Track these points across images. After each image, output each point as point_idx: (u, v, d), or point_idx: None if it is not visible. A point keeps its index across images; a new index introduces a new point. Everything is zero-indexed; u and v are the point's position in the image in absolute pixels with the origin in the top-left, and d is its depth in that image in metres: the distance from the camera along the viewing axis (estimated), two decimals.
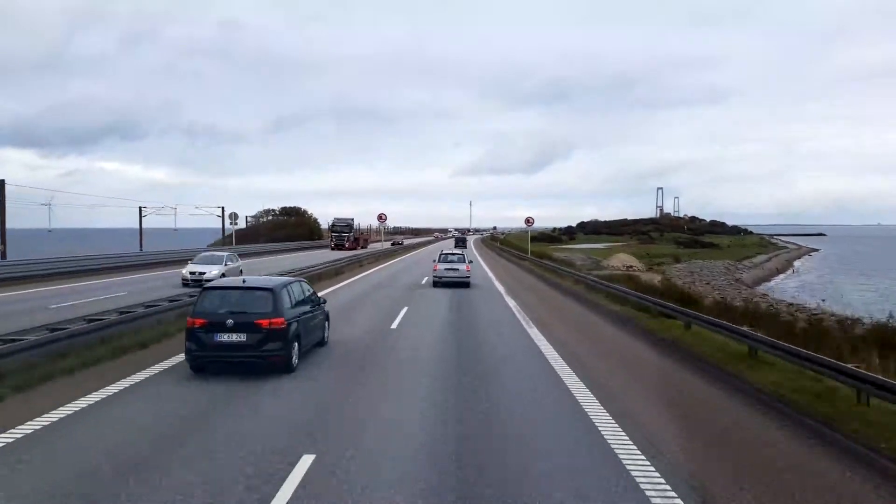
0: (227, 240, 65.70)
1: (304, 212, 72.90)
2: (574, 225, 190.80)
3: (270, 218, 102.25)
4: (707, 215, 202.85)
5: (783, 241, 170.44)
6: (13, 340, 11.41)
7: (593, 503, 6.16)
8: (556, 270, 38.76)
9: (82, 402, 9.20)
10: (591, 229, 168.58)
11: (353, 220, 76.39)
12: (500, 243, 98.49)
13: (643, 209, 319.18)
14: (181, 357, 11.66)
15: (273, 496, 6.13)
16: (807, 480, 6.92)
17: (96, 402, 9.33)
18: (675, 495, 6.31)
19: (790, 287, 60.94)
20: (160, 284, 27.07)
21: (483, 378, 11.12)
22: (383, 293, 25.69)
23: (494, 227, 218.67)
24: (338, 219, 75.53)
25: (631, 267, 73.01)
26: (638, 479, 6.67)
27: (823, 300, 43.95)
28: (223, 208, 64.52)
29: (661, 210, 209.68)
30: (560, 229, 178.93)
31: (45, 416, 8.52)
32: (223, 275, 25.27)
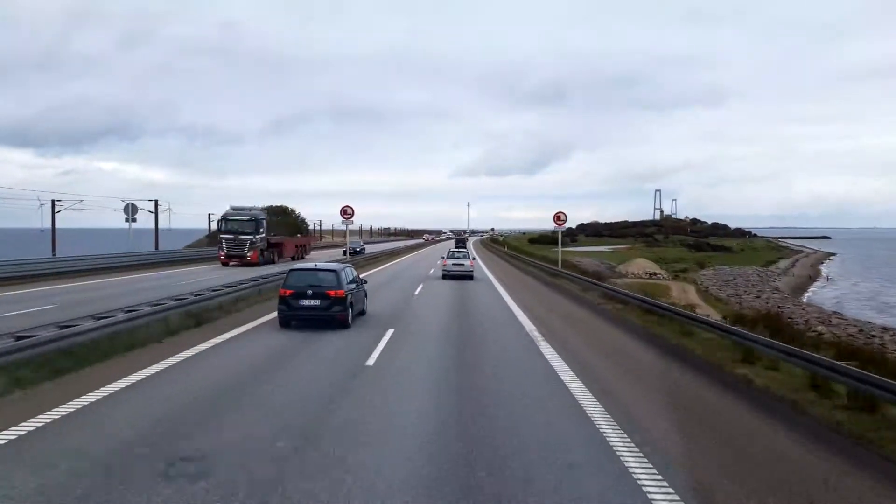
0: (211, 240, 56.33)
1: (292, 211, 74.24)
2: (574, 227, 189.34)
3: None
4: (706, 217, 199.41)
5: (791, 244, 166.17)
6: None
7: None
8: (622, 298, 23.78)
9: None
10: (592, 231, 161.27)
11: (262, 212, 44.40)
12: (506, 248, 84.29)
13: (641, 211, 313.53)
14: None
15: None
16: None
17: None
18: None
19: (829, 297, 57.06)
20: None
21: None
22: None
23: (492, 229, 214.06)
24: (234, 208, 42.98)
25: (655, 274, 63.20)
26: None
27: None
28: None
29: (661, 212, 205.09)
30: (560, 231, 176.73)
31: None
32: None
